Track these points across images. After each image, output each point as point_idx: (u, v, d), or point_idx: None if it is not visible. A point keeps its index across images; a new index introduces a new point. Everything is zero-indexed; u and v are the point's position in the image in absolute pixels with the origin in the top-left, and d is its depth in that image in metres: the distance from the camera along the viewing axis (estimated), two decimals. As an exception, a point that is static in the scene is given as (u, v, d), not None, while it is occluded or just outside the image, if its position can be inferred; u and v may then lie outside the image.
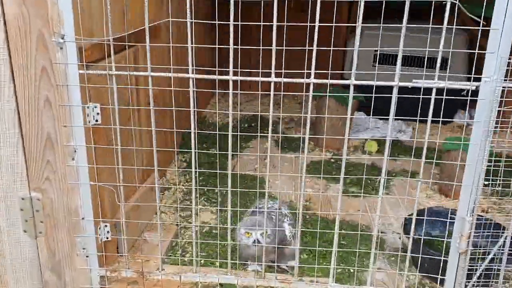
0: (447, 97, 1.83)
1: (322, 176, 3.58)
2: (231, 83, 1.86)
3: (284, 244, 2.37)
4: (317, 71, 1.80)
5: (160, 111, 3.36)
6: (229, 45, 1.77)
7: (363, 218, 3.01)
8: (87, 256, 2.13)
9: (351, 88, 1.82)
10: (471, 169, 1.89)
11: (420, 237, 2.27)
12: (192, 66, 1.84)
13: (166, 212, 2.94)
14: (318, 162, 3.90)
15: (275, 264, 2.42)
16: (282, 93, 1.89)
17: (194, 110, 1.89)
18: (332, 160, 3.99)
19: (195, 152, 1.98)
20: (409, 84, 1.77)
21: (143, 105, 2.85)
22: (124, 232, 2.16)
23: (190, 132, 1.97)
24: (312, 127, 4.53)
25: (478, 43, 1.95)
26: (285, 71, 1.82)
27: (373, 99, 1.81)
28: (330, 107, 4.13)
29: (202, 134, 4.22)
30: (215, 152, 3.87)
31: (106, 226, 2.27)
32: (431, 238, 2.44)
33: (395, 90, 1.79)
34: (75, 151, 1.98)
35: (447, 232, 2.50)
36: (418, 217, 2.12)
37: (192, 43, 1.78)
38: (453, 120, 4.82)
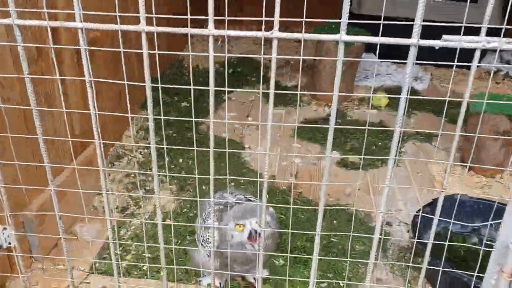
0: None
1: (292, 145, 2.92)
2: (144, 36, 1.16)
3: (270, 242, 1.69)
4: (287, 19, 1.07)
5: (116, 59, 2.66)
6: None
7: (362, 201, 2.37)
8: (-30, 276, 1.55)
9: (340, 47, 1.10)
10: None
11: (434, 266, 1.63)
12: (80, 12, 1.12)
13: (113, 192, 2.32)
14: (313, 120, 3.21)
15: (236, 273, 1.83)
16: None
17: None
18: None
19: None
20: (437, 44, 1.05)
21: (69, 61, 2.14)
22: (18, 248, 1.55)
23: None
24: (309, 73, 3.79)
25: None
26: (229, 17, 1.11)
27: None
28: (330, 49, 3.38)
29: (174, 82, 3.52)
30: (187, 105, 3.22)
31: (5, 229, 1.67)
32: (453, 268, 1.79)
33: (412, 51, 1.08)
34: None
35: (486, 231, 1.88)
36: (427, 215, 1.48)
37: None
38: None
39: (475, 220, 2.09)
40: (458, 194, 2.09)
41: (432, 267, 1.38)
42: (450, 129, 3.16)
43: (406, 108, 3.45)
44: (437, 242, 1.35)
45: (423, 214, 1.38)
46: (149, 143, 1.20)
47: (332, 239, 2.06)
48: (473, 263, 1.95)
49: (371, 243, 1.99)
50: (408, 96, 1.12)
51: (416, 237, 1.81)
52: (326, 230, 2.12)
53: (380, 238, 1.35)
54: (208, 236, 1.64)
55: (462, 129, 2.82)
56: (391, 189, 2.47)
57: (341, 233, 1.13)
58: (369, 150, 2.82)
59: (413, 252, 1.92)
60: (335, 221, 2.18)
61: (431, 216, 1.36)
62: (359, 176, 2.57)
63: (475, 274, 1.37)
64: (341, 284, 1.84)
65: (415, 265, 1.70)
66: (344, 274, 1.88)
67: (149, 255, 1.95)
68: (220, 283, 1.78)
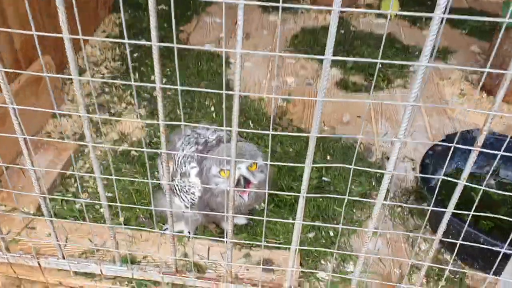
0: None
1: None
2: None
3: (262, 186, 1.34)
4: None
5: None
6: None
7: (363, 131, 2.04)
8: None
9: None
10: None
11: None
12: None
13: (70, 115, 1.98)
14: (312, 30, 2.77)
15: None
16: None
17: None
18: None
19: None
20: None
21: None
22: None
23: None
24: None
25: None
26: None
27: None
28: None
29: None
30: (164, 8, 2.76)
31: None
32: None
33: None
34: None
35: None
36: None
37: None
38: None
39: (494, 159, 1.77)
40: (475, 129, 1.77)
41: (446, 238, 1.09)
42: (471, 42, 2.75)
43: (418, 17, 2.89)
44: (457, 211, 1.05)
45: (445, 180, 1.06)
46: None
47: (323, 178, 1.77)
48: (487, 210, 1.68)
49: (369, 184, 1.67)
50: (446, 16, 0.74)
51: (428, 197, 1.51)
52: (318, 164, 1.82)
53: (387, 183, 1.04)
54: (189, 185, 1.32)
55: (485, 47, 2.41)
56: (394, 114, 2.13)
57: (335, 196, 0.84)
58: (374, 69, 2.43)
59: (430, 213, 1.63)
60: (328, 156, 1.87)
61: (447, 179, 1.05)
62: (362, 99, 2.22)
63: (505, 249, 1.09)
64: (331, 234, 1.57)
65: (425, 236, 1.41)
66: (335, 221, 1.61)
67: (110, 194, 1.65)
68: (189, 232, 1.51)
